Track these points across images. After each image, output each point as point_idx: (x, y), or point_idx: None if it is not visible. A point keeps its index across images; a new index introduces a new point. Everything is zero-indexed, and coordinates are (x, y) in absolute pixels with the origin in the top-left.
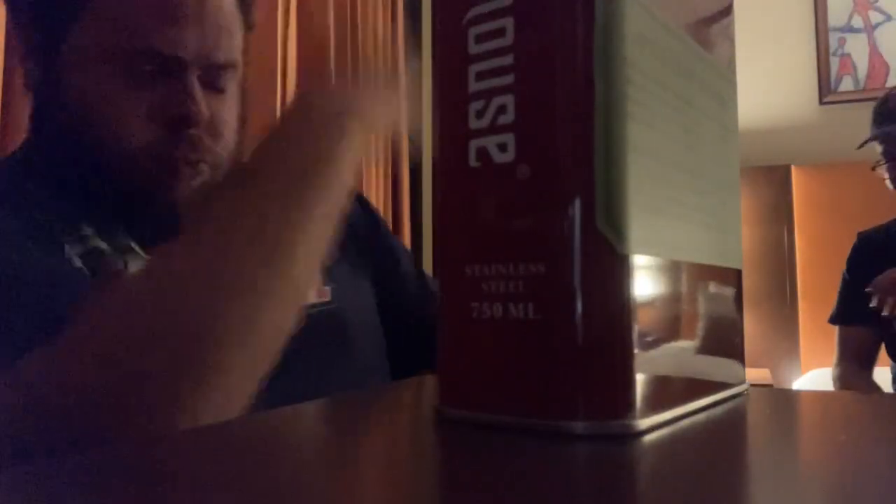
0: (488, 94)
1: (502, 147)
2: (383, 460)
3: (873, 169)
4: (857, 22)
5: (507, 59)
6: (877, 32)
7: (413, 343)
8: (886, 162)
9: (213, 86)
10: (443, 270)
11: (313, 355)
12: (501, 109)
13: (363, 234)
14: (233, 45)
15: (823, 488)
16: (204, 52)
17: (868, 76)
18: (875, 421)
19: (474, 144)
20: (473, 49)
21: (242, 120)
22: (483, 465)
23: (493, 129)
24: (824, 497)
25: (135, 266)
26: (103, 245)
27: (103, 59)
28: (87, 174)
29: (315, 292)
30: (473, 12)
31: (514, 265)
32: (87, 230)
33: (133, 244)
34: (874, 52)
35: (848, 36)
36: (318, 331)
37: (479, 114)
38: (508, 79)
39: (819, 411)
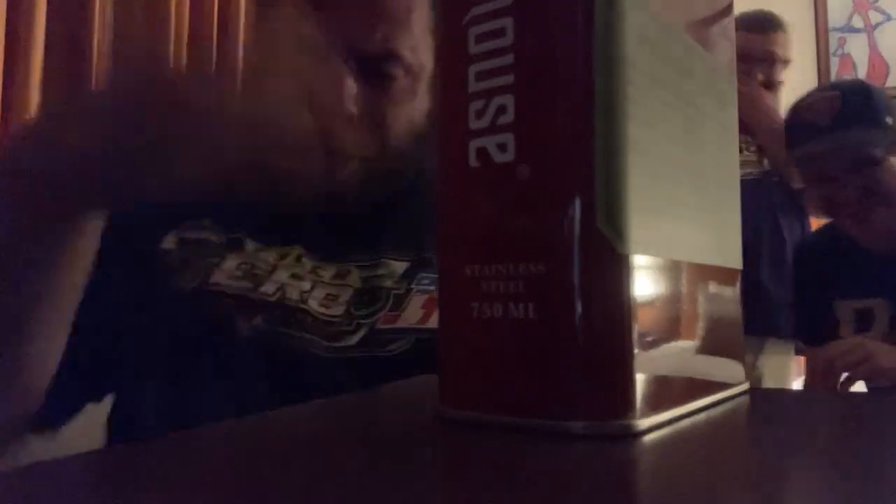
0: (488, 94)
1: (502, 147)
2: (384, 461)
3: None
4: (857, 22)
5: (507, 59)
6: (877, 32)
7: None
8: (807, 185)
9: (371, 77)
10: (443, 270)
11: None
12: (501, 109)
13: None
14: (395, 34)
15: (823, 488)
16: (353, 38)
17: (868, 76)
18: (875, 419)
19: (474, 144)
20: (473, 49)
21: (416, 119)
22: (483, 465)
23: (493, 129)
24: (824, 497)
25: (232, 263)
26: (213, 237)
27: None
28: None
29: None
30: (473, 12)
31: (514, 265)
32: (206, 221)
33: (248, 240)
34: (874, 52)
35: (848, 36)
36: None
37: (479, 114)
38: (508, 79)
39: (819, 411)
